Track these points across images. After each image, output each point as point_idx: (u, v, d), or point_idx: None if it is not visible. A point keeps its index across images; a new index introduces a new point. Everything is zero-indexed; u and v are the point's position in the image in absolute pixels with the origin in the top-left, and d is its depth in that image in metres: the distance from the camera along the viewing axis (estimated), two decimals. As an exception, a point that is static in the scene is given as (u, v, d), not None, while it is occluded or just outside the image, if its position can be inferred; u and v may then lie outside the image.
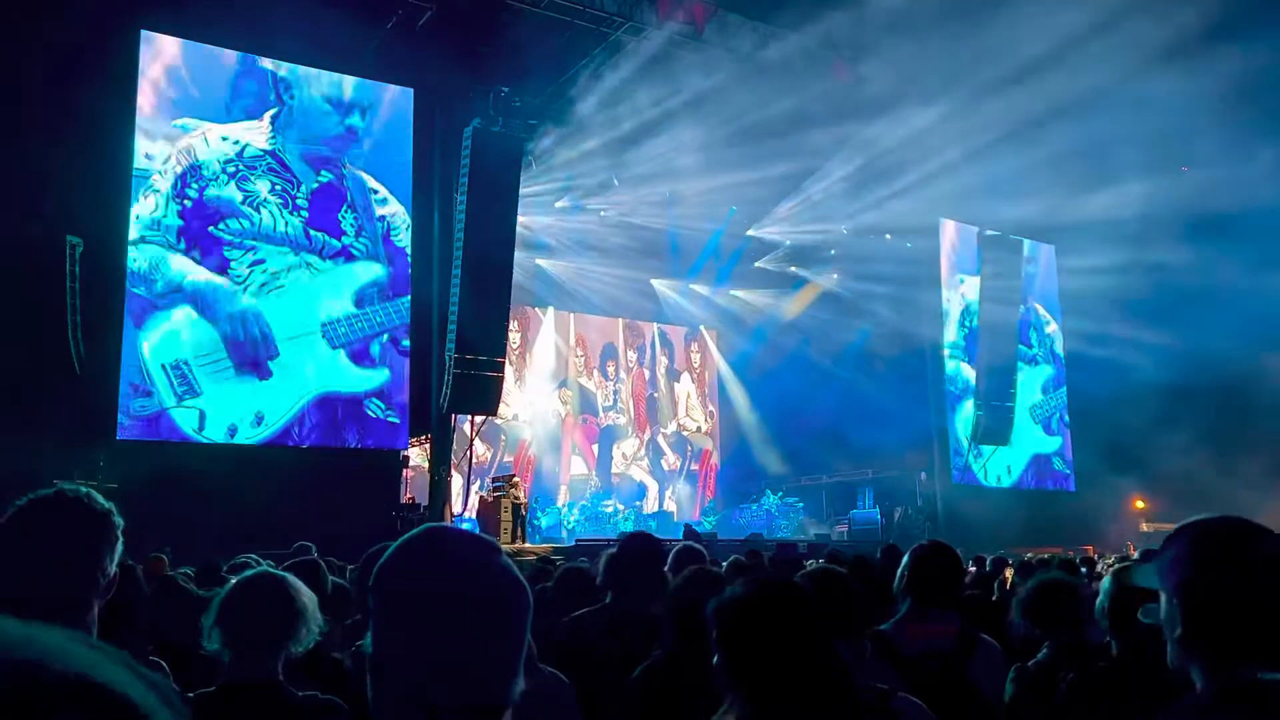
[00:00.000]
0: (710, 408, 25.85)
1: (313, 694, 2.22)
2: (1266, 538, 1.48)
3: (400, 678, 1.05)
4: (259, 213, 14.32)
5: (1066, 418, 23.71)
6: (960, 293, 22.39)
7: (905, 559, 3.18)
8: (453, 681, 1.03)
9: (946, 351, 21.94)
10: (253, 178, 14.36)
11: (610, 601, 3.41)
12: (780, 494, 22.71)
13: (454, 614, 1.05)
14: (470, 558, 1.10)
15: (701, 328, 25.66)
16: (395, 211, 15.46)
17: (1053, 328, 23.89)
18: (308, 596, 2.30)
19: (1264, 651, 1.38)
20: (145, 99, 13.85)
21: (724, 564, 5.75)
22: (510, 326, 17.12)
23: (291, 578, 2.36)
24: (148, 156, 13.74)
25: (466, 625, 1.05)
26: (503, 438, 21.73)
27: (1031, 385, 23.06)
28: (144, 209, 13.62)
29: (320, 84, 15.22)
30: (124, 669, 0.48)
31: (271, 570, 2.45)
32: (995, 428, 21.32)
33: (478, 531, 4.82)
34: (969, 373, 21.88)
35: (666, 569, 4.60)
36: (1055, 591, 3.21)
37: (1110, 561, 8.79)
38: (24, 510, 1.69)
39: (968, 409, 21.64)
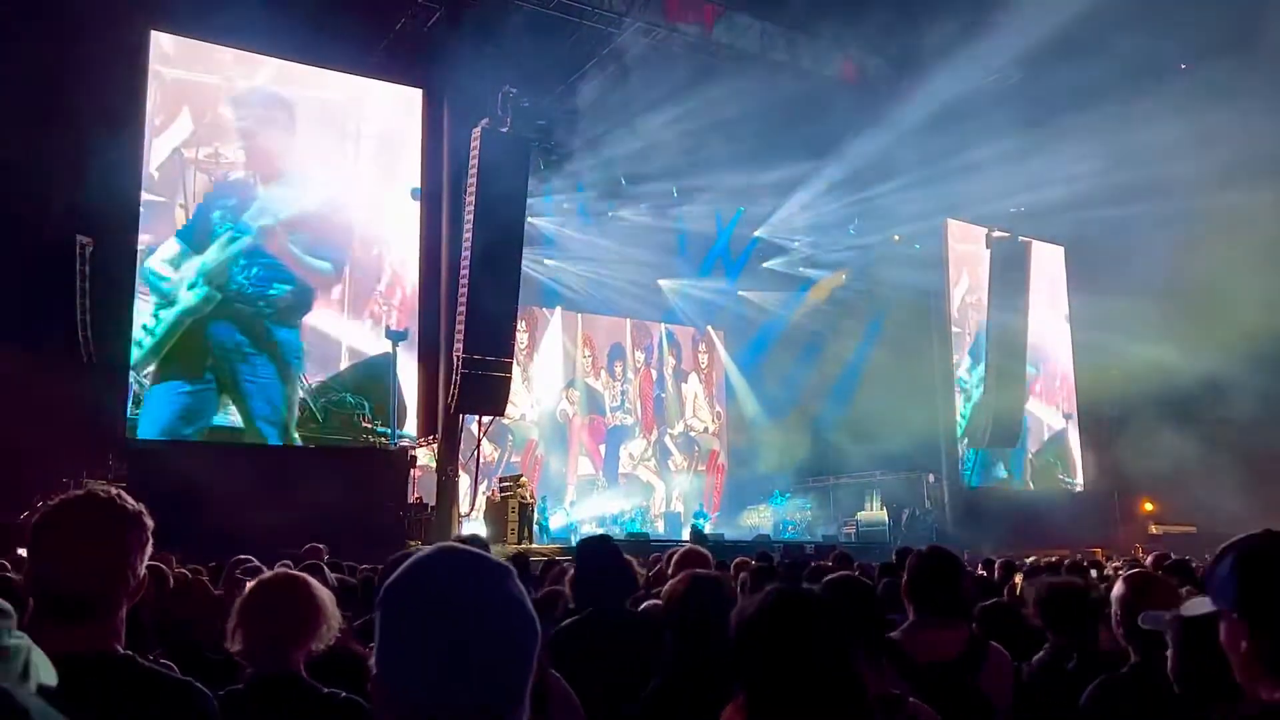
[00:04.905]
0: (718, 408, 25.83)
1: (335, 691, 2.24)
2: None
3: (401, 697, 1.05)
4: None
5: (1075, 420, 23.62)
6: (968, 293, 22.33)
7: (907, 566, 3.17)
8: (453, 707, 1.02)
9: (955, 353, 21.89)
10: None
11: (592, 609, 3.37)
12: (788, 495, 22.68)
13: (459, 638, 1.04)
14: (481, 582, 1.09)
15: (709, 328, 25.64)
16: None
17: (1060, 328, 23.81)
18: (326, 594, 2.34)
19: None
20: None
21: (731, 564, 5.74)
22: (518, 326, 17.12)
23: (308, 576, 2.40)
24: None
25: (471, 650, 1.04)
26: (510, 438, 21.74)
27: (1040, 387, 22.99)
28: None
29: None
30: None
31: (288, 569, 2.48)
32: (1004, 430, 21.24)
33: (481, 541, 4.79)
34: (977, 374, 21.81)
35: (669, 571, 4.60)
36: (1065, 595, 3.30)
37: (1118, 565, 8.75)
38: (56, 510, 1.70)
39: (976, 410, 21.57)
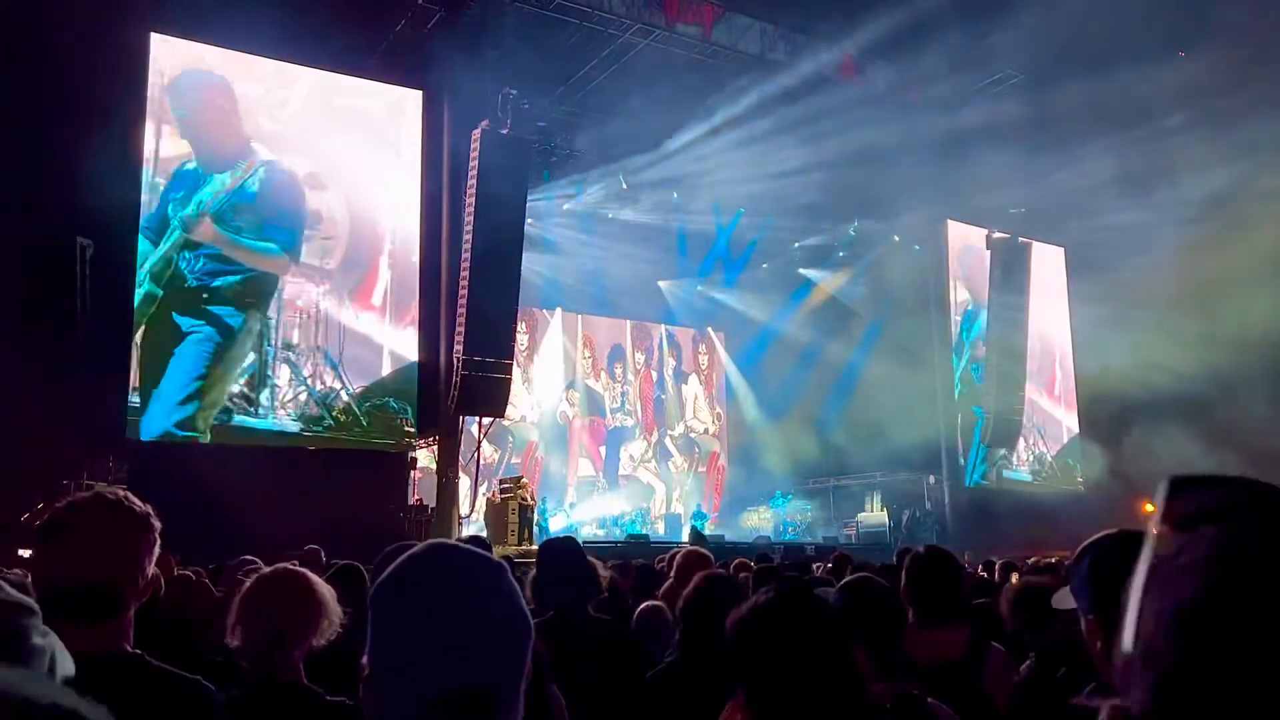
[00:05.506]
0: (718, 409, 25.83)
1: (341, 699, 2.21)
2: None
3: (393, 696, 1.04)
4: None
5: (1075, 418, 23.61)
6: (969, 294, 22.33)
7: (904, 567, 3.16)
8: (444, 705, 1.01)
9: (955, 353, 21.88)
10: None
11: (553, 612, 3.24)
12: (788, 496, 22.67)
13: (450, 635, 1.03)
14: (473, 579, 1.08)
15: (709, 329, 25.64)
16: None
17: (1062, 329, 23.80)
18: (326, 589, 2.31)
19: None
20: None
21: (730, 566, 5.73)
22: (518, 328, 17.12)
23: (308, 571, 2.37)
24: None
25: (462, 647, 1.03)
26: (510, 439, 21.74)
27: (1039, 386, 22.98)
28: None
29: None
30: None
31: (288, 565, 2.46)
32: (1004, 430, 21.24)
33: (482, 542, 4.71)
34: (978, 374, 21.80)
35: (671, 572, 4.59)
36: (1033, 595, 3.30)
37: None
38: (65, 511, 1.72)
39: (977, 411, 21.56)
